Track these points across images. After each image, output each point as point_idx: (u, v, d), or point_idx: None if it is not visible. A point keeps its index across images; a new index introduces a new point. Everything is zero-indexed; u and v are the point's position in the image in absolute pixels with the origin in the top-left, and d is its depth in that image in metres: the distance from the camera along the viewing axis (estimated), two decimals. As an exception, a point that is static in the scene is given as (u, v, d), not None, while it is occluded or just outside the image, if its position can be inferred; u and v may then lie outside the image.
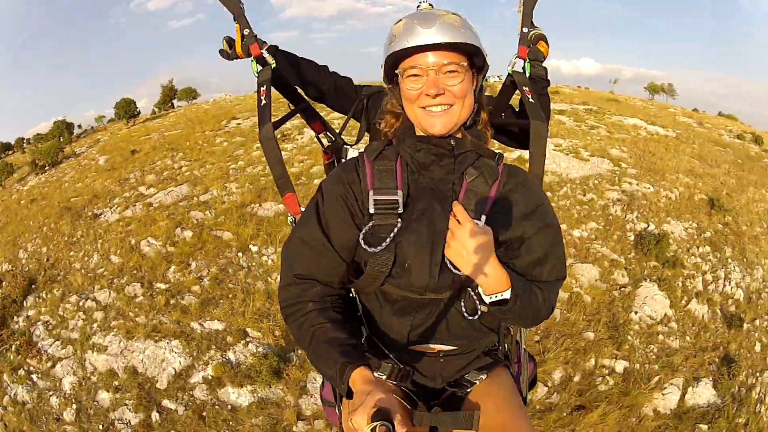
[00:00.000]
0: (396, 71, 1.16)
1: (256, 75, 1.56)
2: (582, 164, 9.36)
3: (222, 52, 1.68)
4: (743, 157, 13.90)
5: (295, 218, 1.44)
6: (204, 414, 3.95)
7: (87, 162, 13.07)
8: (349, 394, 1.01)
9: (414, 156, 1.18)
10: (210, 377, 4.27)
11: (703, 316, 5.52)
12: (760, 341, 5.24)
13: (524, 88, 1.51)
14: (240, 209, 7.16)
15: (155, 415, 4.03)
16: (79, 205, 9.06)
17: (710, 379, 4.46)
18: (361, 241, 1.13)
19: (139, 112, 21.45)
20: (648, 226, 7.18)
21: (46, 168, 15.13)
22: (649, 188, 8.42)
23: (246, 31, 1.54)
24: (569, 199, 7.85)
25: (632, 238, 6.83)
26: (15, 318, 6.34)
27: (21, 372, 5.20)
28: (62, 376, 4.97)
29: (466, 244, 1.05)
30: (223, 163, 9.67)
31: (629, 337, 4.85)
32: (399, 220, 1.13)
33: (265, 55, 1.57)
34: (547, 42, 1.68)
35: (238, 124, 13.75)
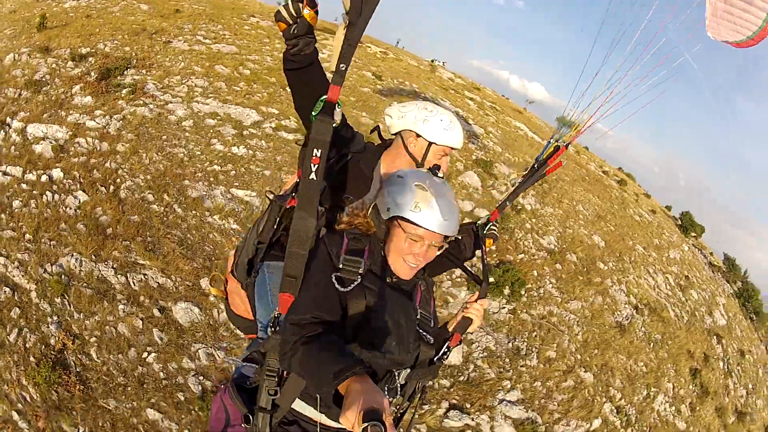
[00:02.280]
0: (398, 222, 1.49)
1: (312, 118, 1.33)
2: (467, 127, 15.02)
3: (276, 18, 1.48)
4: (593, 181, 18.50)
5: (281, 315, 1.45)
6: (270, 136, 8.73)
7: (127, 3, 16.13)
8: (337, 400, 1.12)
9: (380, 273, 1.53)
10: (273, 126, 9.02)
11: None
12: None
13: (484, 247, 1.99)
14: (279, 70, 11.73)
15: (246, 132, 8.70)
16: (149, 30, 12.81)
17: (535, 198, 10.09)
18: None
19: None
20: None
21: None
22: (502, 153, 14.25)
23: (343, 66, 1.26)
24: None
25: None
26: (119, 77, 10.21)
27: (138, 101, 8.94)
28: (175, 109, 9.18)
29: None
30: (257, 43, 13.90)
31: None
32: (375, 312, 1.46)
33: (337, 110, 1.36)
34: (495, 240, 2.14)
35: (257, 21, 17.61)
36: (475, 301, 1.80)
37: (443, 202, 1.47)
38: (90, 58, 11.29)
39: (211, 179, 7.14)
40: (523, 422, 6.97)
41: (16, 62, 9.61)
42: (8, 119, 7.17)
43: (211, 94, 9.73)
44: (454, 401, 6.45)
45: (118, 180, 6.56)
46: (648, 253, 14.69)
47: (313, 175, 1.31)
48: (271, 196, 1.82)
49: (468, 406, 6.59)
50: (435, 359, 1.66)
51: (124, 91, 9.21)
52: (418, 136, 1.92)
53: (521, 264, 9.41)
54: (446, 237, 1.50)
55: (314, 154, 1.30)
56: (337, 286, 1.42)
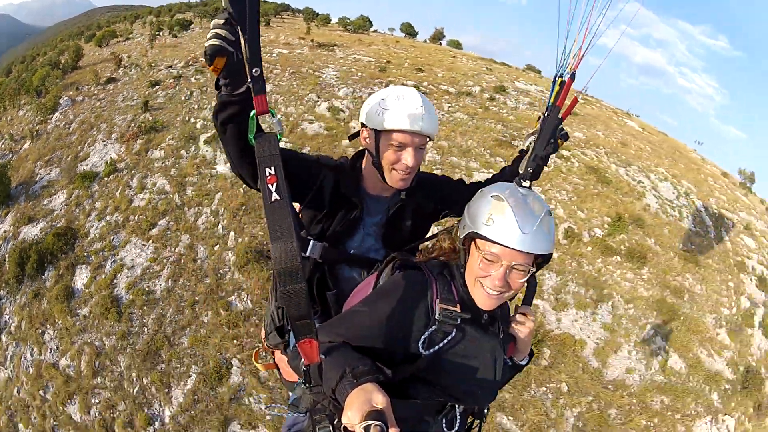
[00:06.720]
0: (474, 240, 1.25)
1: (252, 141, 1.15)
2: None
3: (213, 53, 1.12)
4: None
5: (309, 367, 1.21)
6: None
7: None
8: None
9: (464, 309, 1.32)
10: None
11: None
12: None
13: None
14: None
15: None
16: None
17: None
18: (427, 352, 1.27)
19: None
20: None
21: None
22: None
23: (256, 71, 1.10)
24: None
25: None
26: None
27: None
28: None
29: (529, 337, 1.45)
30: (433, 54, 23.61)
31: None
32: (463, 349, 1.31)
33: (275, 120, 1.14)
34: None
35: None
36: (518, 313, 1.47)
37: (523, 212, 1.21)
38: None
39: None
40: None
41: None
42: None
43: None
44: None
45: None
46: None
47: (275, 196, 1.08)
48: None
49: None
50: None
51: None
52: (365, 125, 1.63)
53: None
54: (535, 257, 1.24)
55: (267, 174, 1.09)
56: (422, 351, 1.25)
